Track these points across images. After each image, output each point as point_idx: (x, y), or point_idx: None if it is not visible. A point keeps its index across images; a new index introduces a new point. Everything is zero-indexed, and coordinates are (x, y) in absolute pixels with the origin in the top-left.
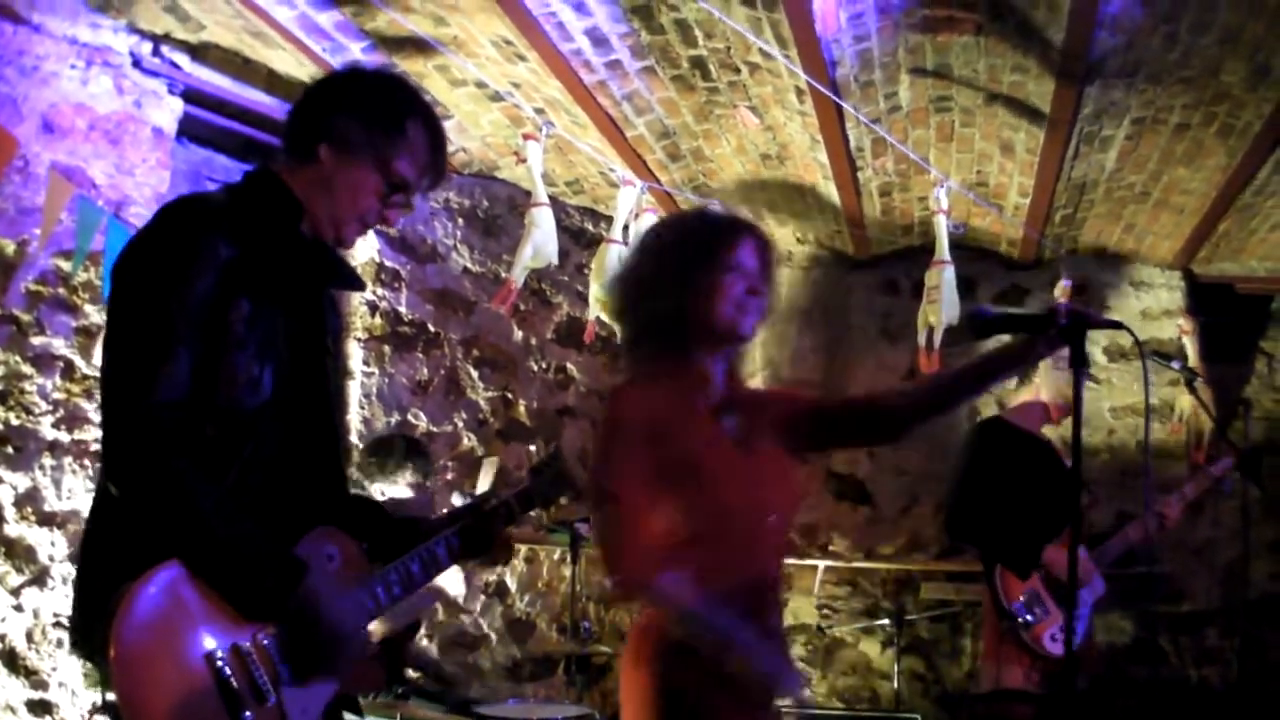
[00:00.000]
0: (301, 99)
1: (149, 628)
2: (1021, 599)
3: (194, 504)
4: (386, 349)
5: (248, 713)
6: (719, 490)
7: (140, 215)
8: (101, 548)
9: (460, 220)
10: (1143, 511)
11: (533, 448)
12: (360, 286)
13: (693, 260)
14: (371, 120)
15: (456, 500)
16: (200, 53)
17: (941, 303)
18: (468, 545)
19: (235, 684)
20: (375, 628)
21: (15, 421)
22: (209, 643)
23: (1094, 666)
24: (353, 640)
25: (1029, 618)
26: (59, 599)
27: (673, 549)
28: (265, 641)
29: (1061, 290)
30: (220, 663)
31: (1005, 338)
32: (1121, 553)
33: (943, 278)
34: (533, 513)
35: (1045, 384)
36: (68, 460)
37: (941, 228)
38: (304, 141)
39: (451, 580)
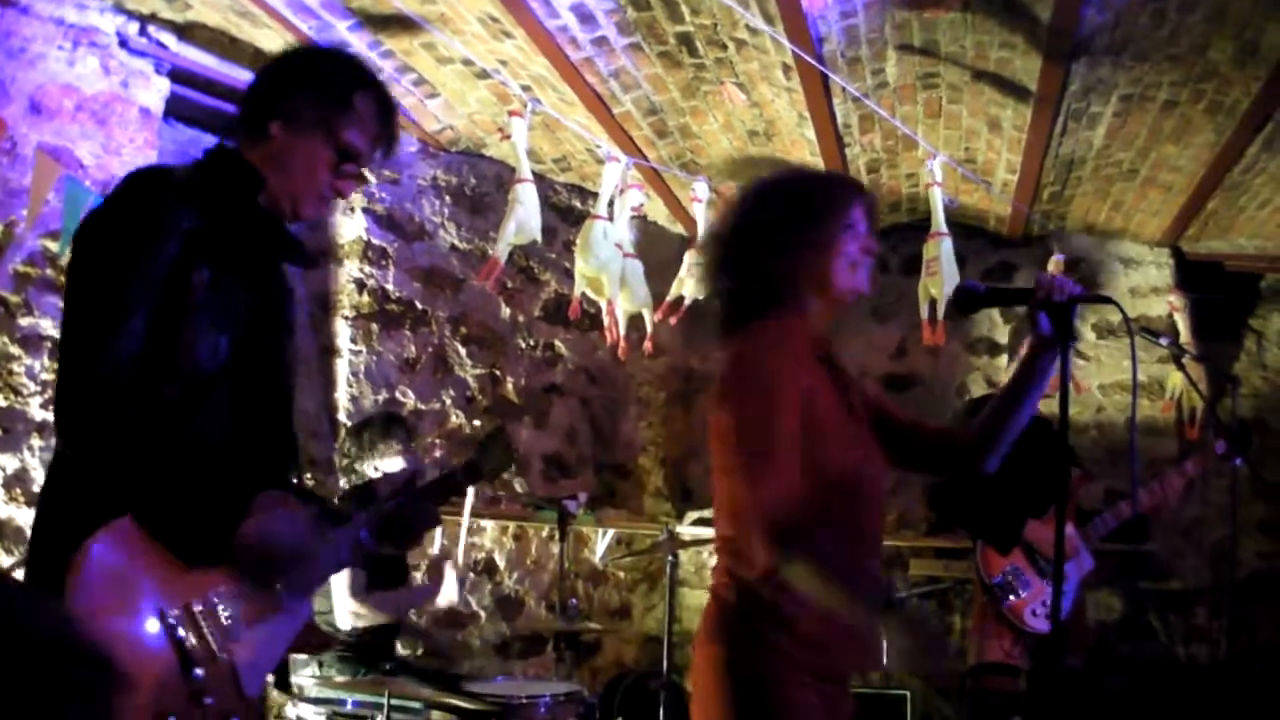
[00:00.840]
0: (254, 80)
1: (103, 588)
2: (1001, 574)
3: (144, 450)
4: (374, 327)
5: (199, 670)
6: (833, 447)
7: None
8: (55, 512)
9: (447, 198)
10: (1134, 488)
11: (477, 427)
12: (311, 264)
13: (809, 216)
14: (320, 94)
15: None
16: (187, 32)
17: (942, 274)
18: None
19: (187, 643)
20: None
21: (4, 403)
22: (163, 602)
23: (1085, 643)
24: (307, 571)
25: (1009, 593)
26: None
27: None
28: (217, 600)
29: (1055, 265)
30: (173, 621)
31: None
32: (1114, 528)
33: (941, 249)
34: (473, 487)
35: None
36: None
37: (937, 199)
38: (257, 119)
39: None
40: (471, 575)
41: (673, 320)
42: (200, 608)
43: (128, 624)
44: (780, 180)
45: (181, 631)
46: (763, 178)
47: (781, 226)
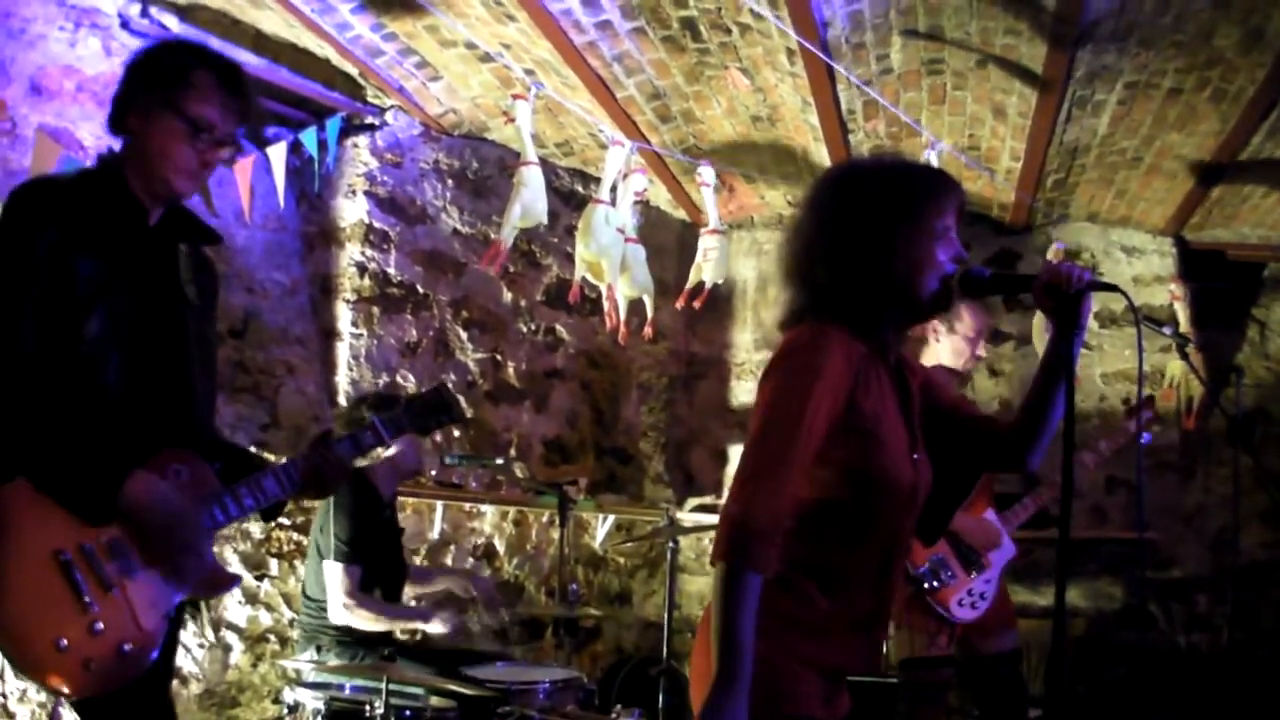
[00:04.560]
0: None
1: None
2: (926, 564)
3: (35, 432)
4: (375, 310)
5: (87, 598)
6: (893, 469)
7: None
8: None
9: (450, 181)
10: (1140, 474)
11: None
12: (214, 240)
13: (902, 223)
14: (160, 81)
15: (446, 461)
16: (188, 14)
17: None
18: (335, 465)
19: (79, 577)
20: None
21: None
22: (57, 543)
23: (1013, 625)
24: (189, 538)
25: (934, 583)
26: None
27: (812, 524)
28: (107, 540)
29: (1054, 253)
30: (65, 558)
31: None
32: (1033, 514)
33: None
34: (418, 437)
35: (946, 346)
36: None
37: None
38: (119, 121)
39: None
40: (471, 559)
41: (696, 304)
42: (92, 546)
43: (24, 564)
44: (868, 176)
45: (74, 567)
46: (853, 169)
47: (867, 233)
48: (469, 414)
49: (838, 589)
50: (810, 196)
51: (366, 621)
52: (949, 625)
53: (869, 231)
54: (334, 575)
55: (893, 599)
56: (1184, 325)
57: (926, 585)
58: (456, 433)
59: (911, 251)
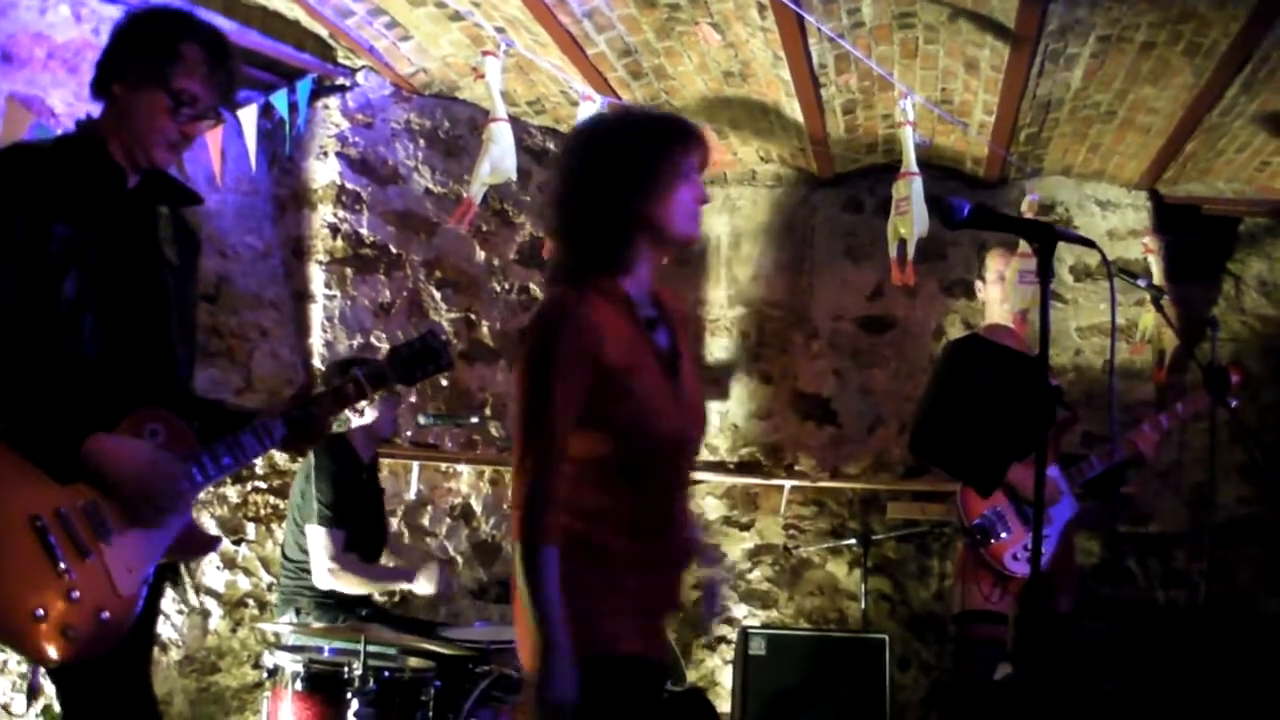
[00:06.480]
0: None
1: None
2: (981, 517)
3: (6, 392)
4: (348, 271)
5: (64, 564)
6: (651, 418)
7: None
8: None
9: (421, 141)
10: (1114, 430)
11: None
12: (194, 201)
13: (649, 163)
14: (147, 50)
15: (421, 421)
16: None
17: (912, 214)
18: (315, 420)
19: (55, 542)
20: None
21: None
22: (33, 508)
23: (1074, 587)
24: (163, 497)
25: (989, 536)
26: None
27: (590, 479)
28: (83, 505)
29: (1028, 205)
30: (42, 525)
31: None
32: (1100, 472)
33: (911, 189)
34: (398, 388)
35: (1010, 298)
36: None
37: (909, 139)
38: (101, 86)
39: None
40: (448, 519)
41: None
42: (68, 511)
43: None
44: (616, 124)
45: (50, 533)
46: (601, 119)
47: (617, 174)
48: (445, 375)
49: (629, 536)
50: (562, 153)
51: (352, 585)
52: (1006, 581)
53: (621, 170)
54: (317, 539)
55: (683, 538)
56: (1158, 278)
57: (981, 538)
58: (445, 383)
59: (660, 187)
